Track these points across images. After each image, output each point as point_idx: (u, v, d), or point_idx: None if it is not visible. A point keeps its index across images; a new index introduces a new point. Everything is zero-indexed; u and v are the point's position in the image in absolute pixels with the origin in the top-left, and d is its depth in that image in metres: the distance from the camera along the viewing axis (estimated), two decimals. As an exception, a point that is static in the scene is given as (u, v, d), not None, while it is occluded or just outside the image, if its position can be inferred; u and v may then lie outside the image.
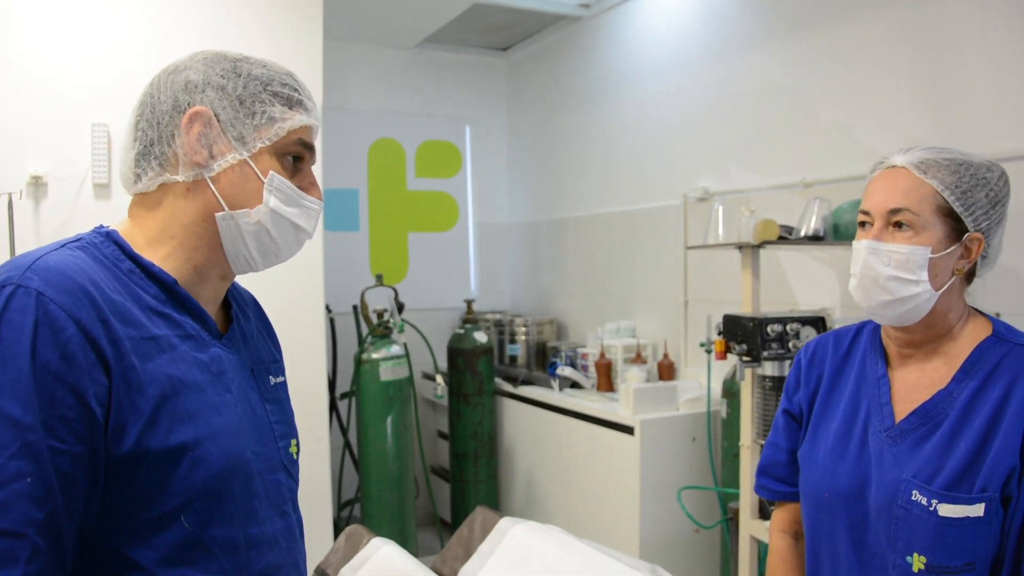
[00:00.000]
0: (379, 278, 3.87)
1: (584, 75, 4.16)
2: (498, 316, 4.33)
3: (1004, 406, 1.16)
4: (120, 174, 1.01)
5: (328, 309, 3.82)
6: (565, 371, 3.59)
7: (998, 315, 1.34)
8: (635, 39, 3.76)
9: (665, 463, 3.01)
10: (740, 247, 2.42)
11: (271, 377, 1.10)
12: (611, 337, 3.64)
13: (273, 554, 0.99)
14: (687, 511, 2.87)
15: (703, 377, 3.11)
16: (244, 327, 1.09)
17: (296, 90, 1.01)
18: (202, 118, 0.96)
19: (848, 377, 1.36)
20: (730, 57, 3.20)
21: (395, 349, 3.61)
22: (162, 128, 0.96)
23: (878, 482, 1.23)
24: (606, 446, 3.16)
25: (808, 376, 1.42)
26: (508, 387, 3.93)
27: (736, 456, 2.63)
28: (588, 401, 3.37)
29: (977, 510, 1.13)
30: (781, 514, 1.48)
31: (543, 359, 4.06)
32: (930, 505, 1.16)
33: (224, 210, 0.96)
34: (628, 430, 3.02)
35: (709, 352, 2.57)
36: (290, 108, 0.99)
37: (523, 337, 4.13)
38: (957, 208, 1.20)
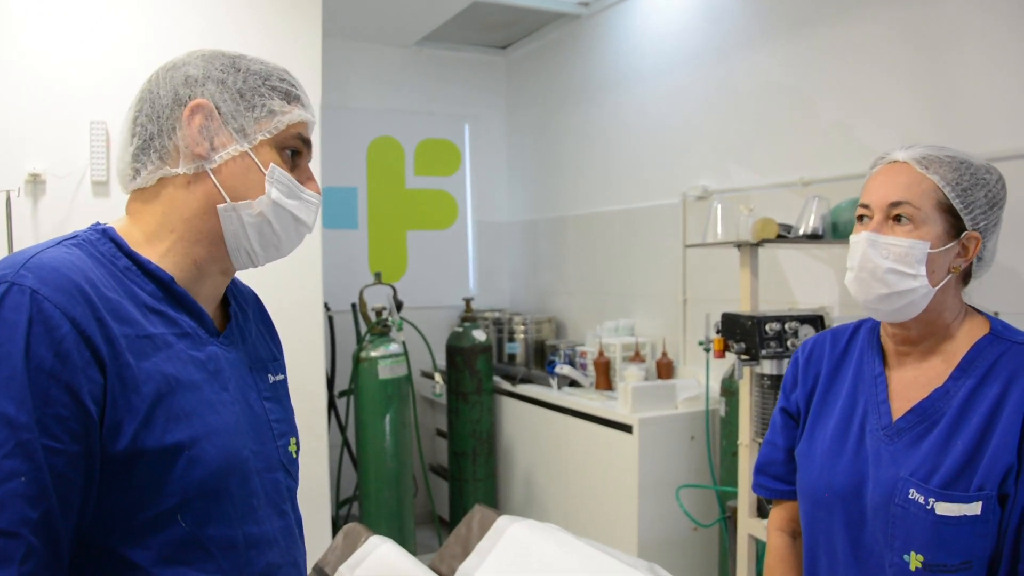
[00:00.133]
0: (378, 276, 3.87)
1: (583, 73, 4.15)
2: (497, 314, 4.33)
3: (1001, 404, 1.17)
4: (118, 171, 1.01)
5: (327, 307, 3.82)
6: (564, 369, 3.59)
7: (996, 314, 1.35)
8: (634, 37, 3.76)
9: (663, 461, 3.01)
10: (739, 246, 2.42)
11: (270, 375, 1.09)
12: (610, 335, 3.64)
13: (272, 553, 0.99)
14: (685, 510, 2.87)
15: (702, 376, 3.11)
16: (242, 325, 1.08)
17: (293, 86, 1.02)
18: (204, 110, 0.96)
19: (845, 375, 1.36)
20: (729, 56, 3.19)
21: (394, 347, 3.61)
22: (162, 122, 0.96)
23: (875, 480, 1.23)
24: (604, 444, 3.16)
25: (805, 374, 1.42)
26: (507, 385, 3.93)
27: (734, 455, 2.63)
28: (587, 399, 3.37)
29: (974, 508, 1.13)
30: (779, 512, 1.48)
31: (542, 357, 4.06)
32: (927, 503, 1.16)
33: (226, 202, 0.97)
34: (627, 428, 3.02)
35: (708, 350, 2.57)
36: (288, 103, 1.00)
37: (522, 335, 4.13)
38: (957, 205, 1.20)
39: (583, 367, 3.66)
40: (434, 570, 1.65)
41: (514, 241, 4.85)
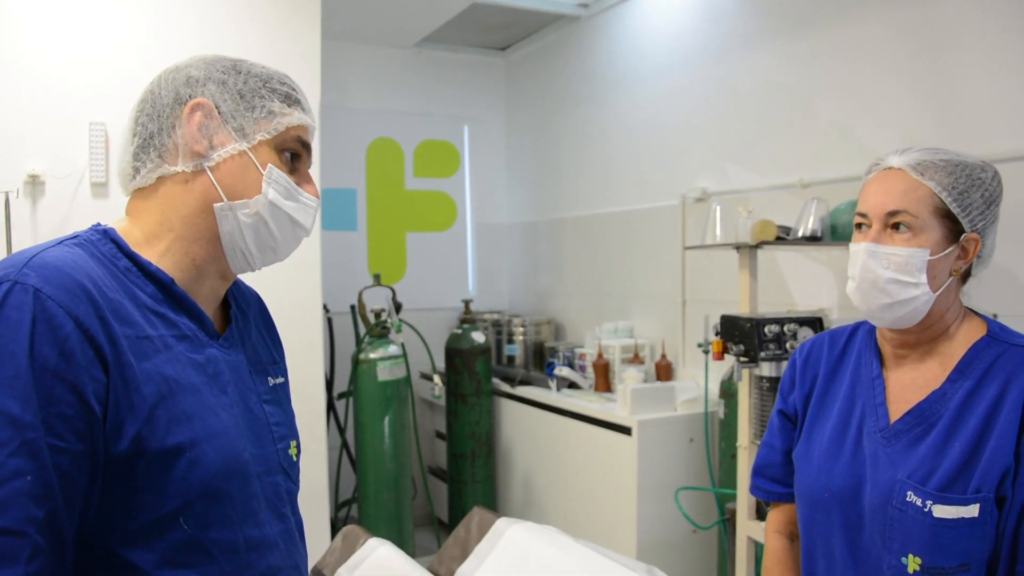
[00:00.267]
0: (377, 278, 3.87)
1: (583, 75, 4.16)
2: (496, 316, 4.32)
3: (998, 406, 1.17)
4: (118, 171, 1.02)
5: (326, 309, 3.81)
6: (563, 371, 3.59)
7: (995, 316, 1.35)
8: (634, 39, 3.76)
9: (662, 464, 3.01)
10: (738, 247, 2.42)
11: (270, 378, 1.09)
12: (609, 337, 3.64)
13: (273, 557, 0.99)
14: (684, 512, 2.87)
15: (701, 378, 3.11)
16: (243, 327, 1.08)
17: (294, 89, 1.03)
18: (203, 108, 0.97)
19: (843, 377, 1.36)
20: (729, 57, 3.20)
21: (393, 349, 3.61)
22: (163, 120, 0.97)
23: (873, 483, 1.23)
24: (603, 446, 3.16)
25: (803, 376, 1.42)
26: (506, 387, 3.93)
27: (733, 457, 2.63)
28: (586, 401, 3.37)
29: (972, 511, 1.13)
30: (776, 515, 1.48)
31: (541, 359, 4.06)
32: (925, 506, 1.16)
33: (223, 201, 0.97)
34: (625, 430, 3.02)
35: (707, 352, 2.57)
36: (288, 105, 1.01)
37: (521, 337, 4.13)
38: (954, 209, 1.20)
39: (582, 369, 3.66)
40: (433, 572, 1.65)
41: (513, 243, 4.85)
